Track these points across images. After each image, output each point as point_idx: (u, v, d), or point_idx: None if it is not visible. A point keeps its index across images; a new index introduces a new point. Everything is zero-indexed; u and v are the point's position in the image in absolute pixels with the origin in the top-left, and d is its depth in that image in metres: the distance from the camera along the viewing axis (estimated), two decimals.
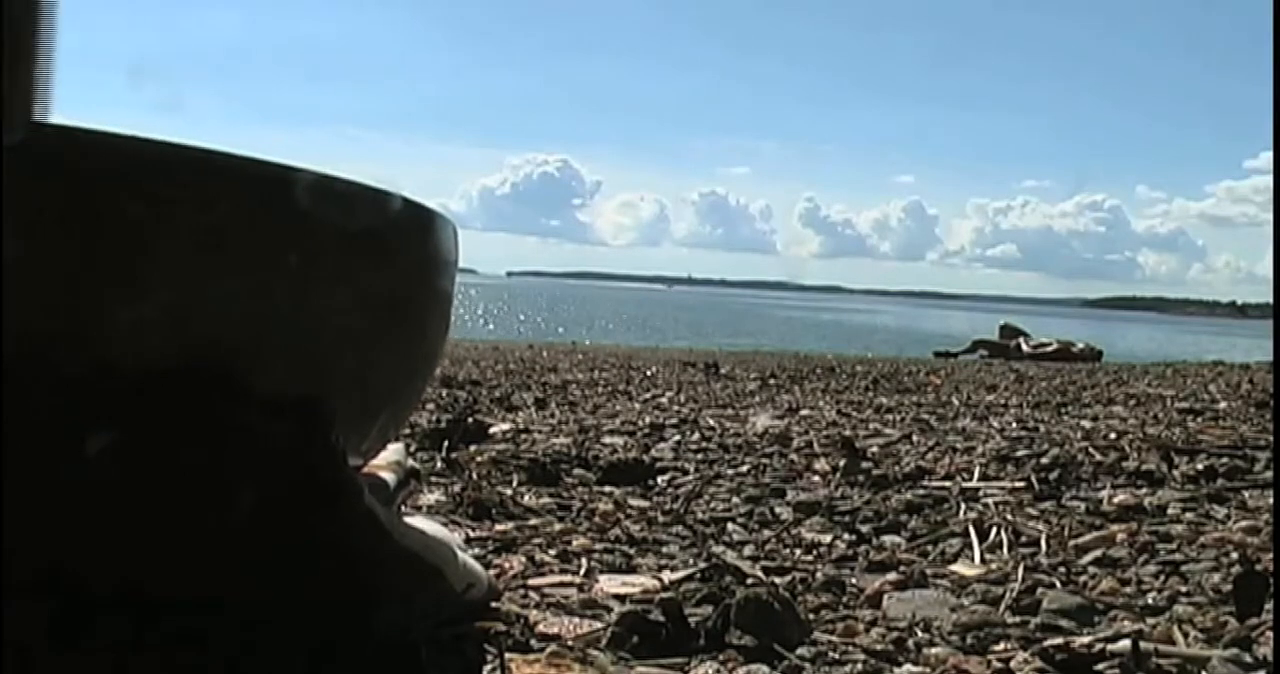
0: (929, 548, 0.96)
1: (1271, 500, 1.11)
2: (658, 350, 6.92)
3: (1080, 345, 7.92)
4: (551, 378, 3.31)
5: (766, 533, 1.02)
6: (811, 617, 0.71)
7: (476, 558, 0.75)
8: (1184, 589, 0.78)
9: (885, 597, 0.77)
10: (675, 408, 2.33)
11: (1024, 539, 0.96)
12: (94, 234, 0.47)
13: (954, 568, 0.86)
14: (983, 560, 0.90)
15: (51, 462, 0.47)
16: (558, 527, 1.00)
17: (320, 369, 0.54)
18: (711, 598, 0.71)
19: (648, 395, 2.70)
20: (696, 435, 1.76)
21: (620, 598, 0.75)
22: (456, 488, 1.17)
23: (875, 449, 1.57)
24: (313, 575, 0.53)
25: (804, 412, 2.23)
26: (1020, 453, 1.48)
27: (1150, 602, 0.74)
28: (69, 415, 0.47)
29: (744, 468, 1.41)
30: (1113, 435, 1.69)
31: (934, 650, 0.64)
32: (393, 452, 1.06)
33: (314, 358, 0.54)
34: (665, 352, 6.56)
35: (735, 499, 1.19)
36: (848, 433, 1.74)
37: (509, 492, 1.17)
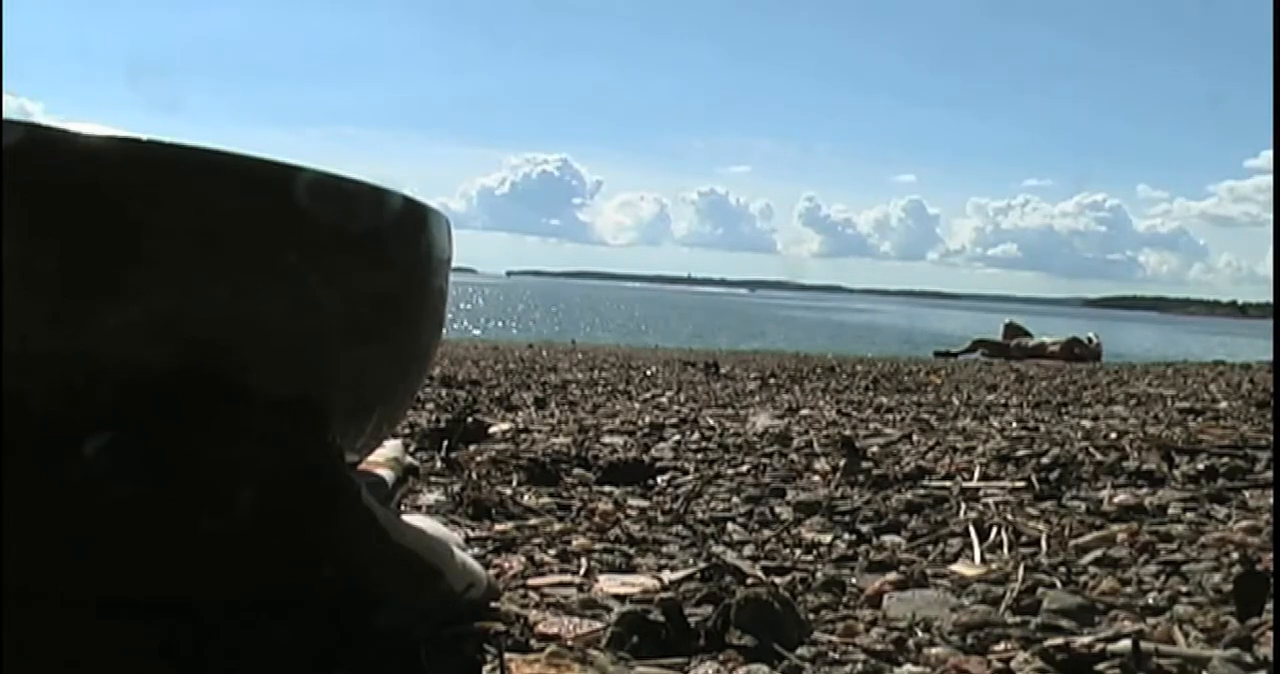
0: (929, 548, 0.96)
1: (1272, 500, 1.11)
2: (657, 350, 6.92)
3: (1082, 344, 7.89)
4: (551, 377, 3.31)
5: (766, 533, 1.02)
6: (811, 617, 0.71)
7: (476, 558, 0.75)
8: (1184, 589, 0.77)
9: (885, 597, 0.77)
10: (675, 407, 2.33)
11: (1024, 539, 0.96)
12: (91, 235, 0.47)
13: (954, 568, 0.86)
14: (983, 560, 0.89)
15: (47, 465, 0.47)
16: (557, 526, 1.00)
17: (317, 368, 0.54)
18: (711, 598, 0.71)
19: (647, 395, 2.70)
20: (696, 435, 1.75)
21: (620, 598, 0.74)
22: (456, 487, 1.16)
23: (875, 449, 1.57)
24: (311, 576, 0.53)
25: (804, 411, 2.23)
26: (1020, 453, 1.48)
27: (1151, 602, 0.74)
28: (64, 418, 0.47)
29: (744, 468, 1.41)
30: (1113, 435, 1.69)
31: (934, 650, 0.63)
32: (391, 448, 1.06)
33: (311, 357, 0.54)
34: (665, 351, 6.57)
35: (735, 499, 1.19)
36: (848, 432, 1.74)
37: (509, 491, 1.17)
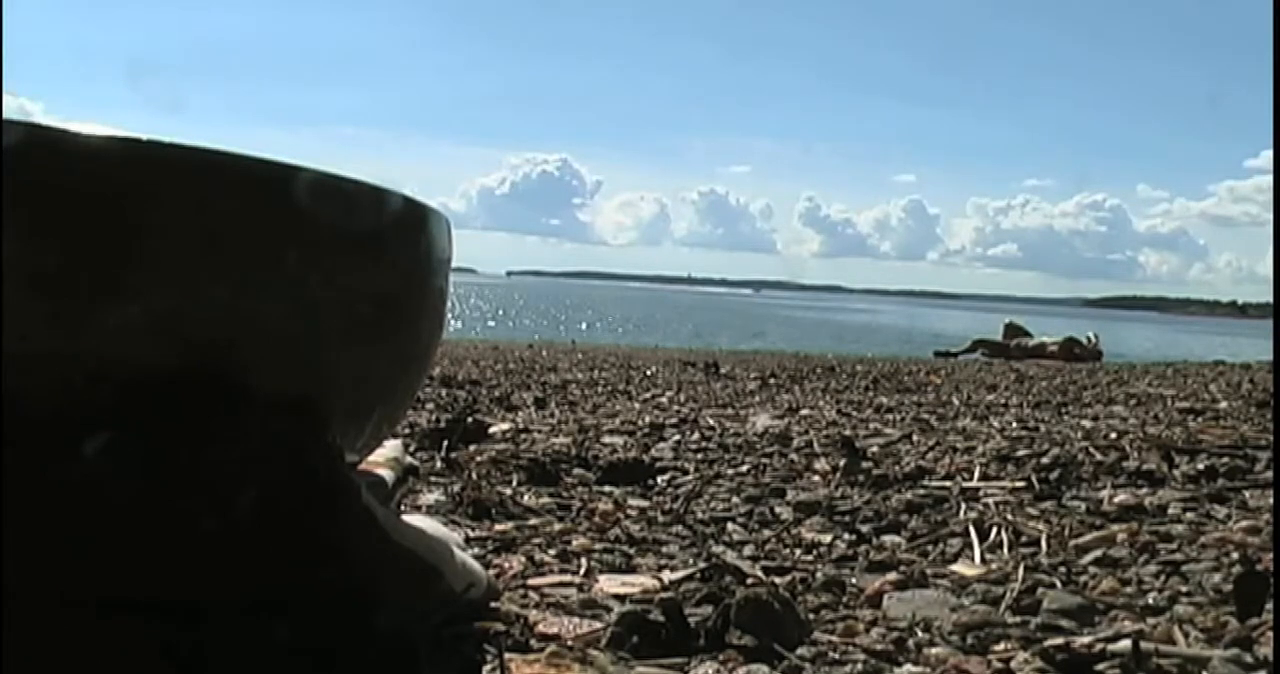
0: (929, 548, 0.96)
1: (1272, 500, 1.11)
2: (657, 350, 6.92)
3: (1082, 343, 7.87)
4: (551, 377, 3.31)
5: (766, 533, 1.02)
6: (811, 617, 0.71)
7: (476, 558, 0.75)
8: (1184, 589, 0.77)
9: (885, 597, 0.77)
10: (675, 407, 2.33)
11: (1024, 539, 0.96)
12: (91, 235, 0.47)
13: (954, 568, 0.86)
14: (983, 560, 0.89)
15: (47, 465, 0.47)
16: (557, 526, 1.00)
17: (317, 368, 0.54)
18: (711, 598, 0.71)
19: (647, 395, 2.70)
20: (696, 435, 1.75)
21: (620, 598, 0.74)
22: (456, 487, 1.16)
23: (875, 449, 1.57)
24: (311, 576, 0.53)
25: (804, 411, 2.23)
26: (1020, 452, 1.48)
27: (1151, 602, 0.74)
28: (64, 418, 0.47)
29: (744, 468, 1.41)
30: (1113, 435, 1.69)
31: (934, 650, 0.63)
32: (391, 448, 1.06)
33: (311, 357, 0.54)
34: (665, 351, 6.57)
35: (735, 499, 1.19)
36: (848, 432, 1.74)
37: (509, 491, 1.17)
